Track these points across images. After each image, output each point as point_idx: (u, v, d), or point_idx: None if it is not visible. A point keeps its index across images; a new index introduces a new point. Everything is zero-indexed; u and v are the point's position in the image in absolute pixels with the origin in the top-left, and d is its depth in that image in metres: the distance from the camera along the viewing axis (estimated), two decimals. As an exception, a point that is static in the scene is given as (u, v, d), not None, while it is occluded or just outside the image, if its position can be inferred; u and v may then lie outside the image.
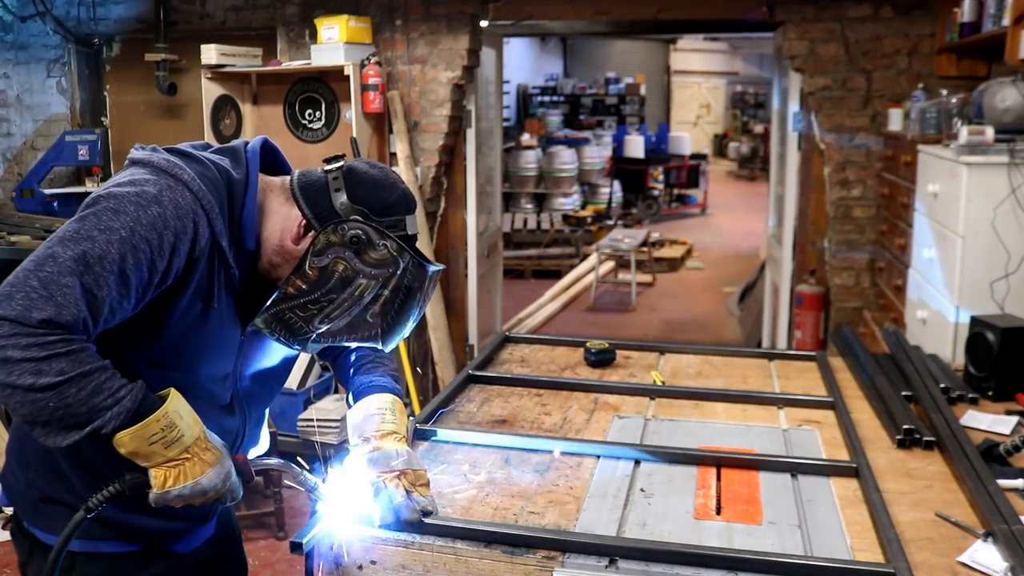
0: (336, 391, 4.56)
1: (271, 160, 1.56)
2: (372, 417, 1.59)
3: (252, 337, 1.52)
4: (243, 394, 1.57)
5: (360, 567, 1.47)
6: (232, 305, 1.46)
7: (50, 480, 1.45)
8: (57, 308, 1.22)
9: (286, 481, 1.47)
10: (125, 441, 1.28)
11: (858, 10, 4.23)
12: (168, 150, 1.43)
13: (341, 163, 1.47)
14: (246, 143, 1.51)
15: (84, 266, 1.24)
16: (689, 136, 14.57)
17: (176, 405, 1.33)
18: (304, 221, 1.44)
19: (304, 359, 4.38)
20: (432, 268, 1.45)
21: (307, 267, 1.42)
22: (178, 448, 1.32)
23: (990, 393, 2.19)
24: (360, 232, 1.41)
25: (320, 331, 1.45)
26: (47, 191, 4.88)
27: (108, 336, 1.34)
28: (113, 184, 1.35)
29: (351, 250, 1.41)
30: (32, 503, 1.48)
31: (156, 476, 1.32)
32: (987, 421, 2.02)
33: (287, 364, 1.68)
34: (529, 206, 10.48)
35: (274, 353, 1.60)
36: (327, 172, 1.47)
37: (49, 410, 1.23)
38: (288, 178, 1.51)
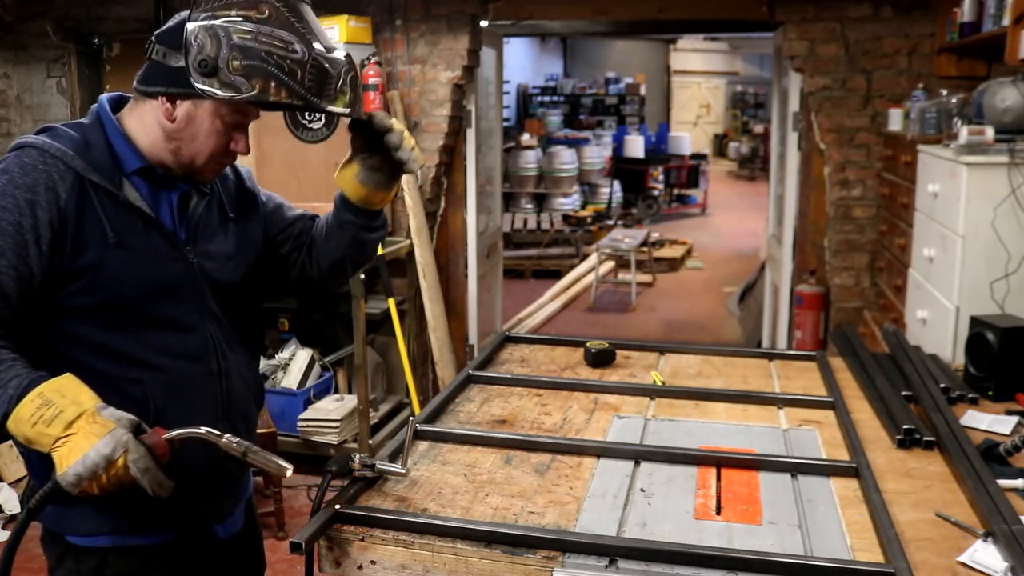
0: (336, 391, 4.56)
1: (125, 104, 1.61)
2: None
3: (199, 241, 1.58)
4: (206, 307, 1.60)
5: (360, 567, 1.47)
6: (153, 235, 1.51)
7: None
8: None
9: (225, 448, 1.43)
10: (12, 429, 1.30)
11: (858, 10, 4.23)
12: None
13: (148, 43, 1.52)
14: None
15: None
16: (689, 136, 14.57)
17: (58, 384, 1.31)
18: (164, 98, 1.49)
19: (303, 358, 4.38)
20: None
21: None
22: (59, 424, 1.28)
23: (990, 393, 2.19)
24: (206, 56, 1.40)
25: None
26: (47, 191, 4.90)
27: (57, 337, 1.44)
28: None
29: (211, 74, 1.40)
30: (49, 507, 1.47)
31: (57, 462, 1.29)
32: (987, 421, 2.02)
33: (246, 245, 1.70)
34: (529, 206, 10.48)
35: (228, 257, 1.65)
36: (147, 57, 1.52)
37: None
38: (134, 95, 1.57)
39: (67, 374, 1.34)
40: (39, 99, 5.17)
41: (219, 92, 1.41)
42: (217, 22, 1.40)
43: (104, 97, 1.60)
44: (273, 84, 1.41)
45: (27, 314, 1.41)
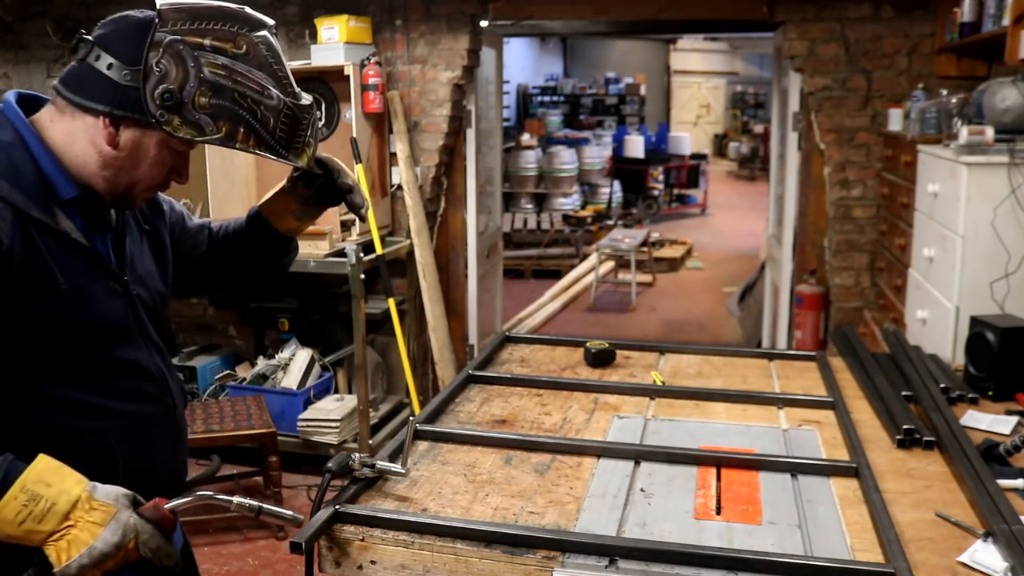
0: (336, 391, 4.56)
1: (36, 108, 1.34)
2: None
3: (132, 269, 1.42)
4: (149, 339, 1.44)
5: (360, 567, 1.47)
6: (97, 272, 1.34)
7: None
8: None
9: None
10: (2, 529, 1.16)
11: (858, 10, 4.23)
12: None
13: (77, 40, 1.27)
14: None
15: None
16: (689, 136, 14.57)
17: (38, 472, 1.19)
18: (107, 119, 1.26)
19: (303, 358, 4.38)
20: (257, 34, 1.28)
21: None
22: (54, 519, 1.18)
23: (990, 393, 2.19)
24: (169, 87, 1.22)
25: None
26: (47, 191, 4.90)
27: (12, 395, 1.26)
28: None
29: (173, 108, 1.23)
30: None
31: (51, 555, 1.18)
32: (987, 421, 2.02)
33: (162, 257, 1.55)
34: (529, 206, 10.48)
35: (152, 277, 1.49)
36: (78, 58, 1.26)
37: None
38: (55, 98, 1.31)
39: (41, 455, 1.21)
40: (39, 99, 5.18)
41: (179, 131, 1.25)
42: (187, 48, 1.24)
43: (10, 97, 1.33)
44: (242, 130, 1.27)
45: None
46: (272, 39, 1.31)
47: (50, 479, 1.19)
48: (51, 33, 5.02)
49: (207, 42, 1.25)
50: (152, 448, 1.43)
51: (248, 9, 1.30)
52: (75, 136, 1.29)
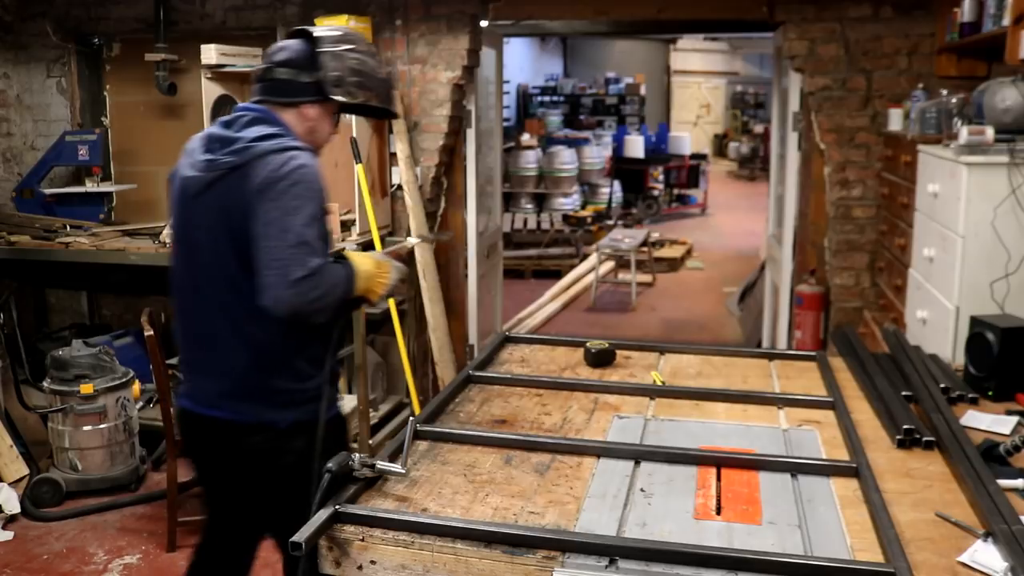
0: (336, 391, 4.56)
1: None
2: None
3: None
4: None
5: (360, 567, 1.47)
6: None
7: (287, 376, 2.04)
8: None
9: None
10: (359, 289, 2.07)
11: (858, 10, 4.23)
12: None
13: (262, 71, 2.15)
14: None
15: None
16: (689, 136, 14.56)
17: (358, 261, 2.09)
18: (303, 105, 2.13)
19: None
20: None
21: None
22: (370, 277, 2.09)
23: (990, 393, 2.19)
24: (335, 75, 2.10)
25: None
26: (47, 191, 4.88)
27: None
28: None
29: (337, 84, 2.11)
30: (271, 400, 2.04)
31: (375, 295, 2.12)
32: (987, 421, 2.02)
33: None
34: (529, 206, 10.48)
35: None
36: (266, 79, 2.13)
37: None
38: (266, 102, 2.15)
39: (349, 252, 2.13)
40: (39, 99, 5.17)
41: (343, 99, 2.10)
42: (339, 50, 2.10)
43: (255, 107, 2.13)
44: (373, 94, 2.16)
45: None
46: (366, 43, 2.20)
47: (363, 260, 2.12)
48: (51, 33, 5.02)
49: (346, 46, 2.12)
50: None
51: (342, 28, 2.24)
52: (294, 119, 2.11)
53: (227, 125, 2.07)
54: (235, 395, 2.04)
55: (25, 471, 4.00)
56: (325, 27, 2.18)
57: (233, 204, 1.96)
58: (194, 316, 2.12)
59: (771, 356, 2.60)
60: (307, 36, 2.11)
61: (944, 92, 3.69)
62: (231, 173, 1.98)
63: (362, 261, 2.09)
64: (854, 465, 1.72)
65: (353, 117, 4.31)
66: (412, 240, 2.71)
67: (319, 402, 2.06)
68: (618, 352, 2.51)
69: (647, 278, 8.72)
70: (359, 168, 4.26)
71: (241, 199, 1.95)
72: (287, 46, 2.11)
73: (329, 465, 1.59)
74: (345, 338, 2.33)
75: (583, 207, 10.97)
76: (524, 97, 15.83)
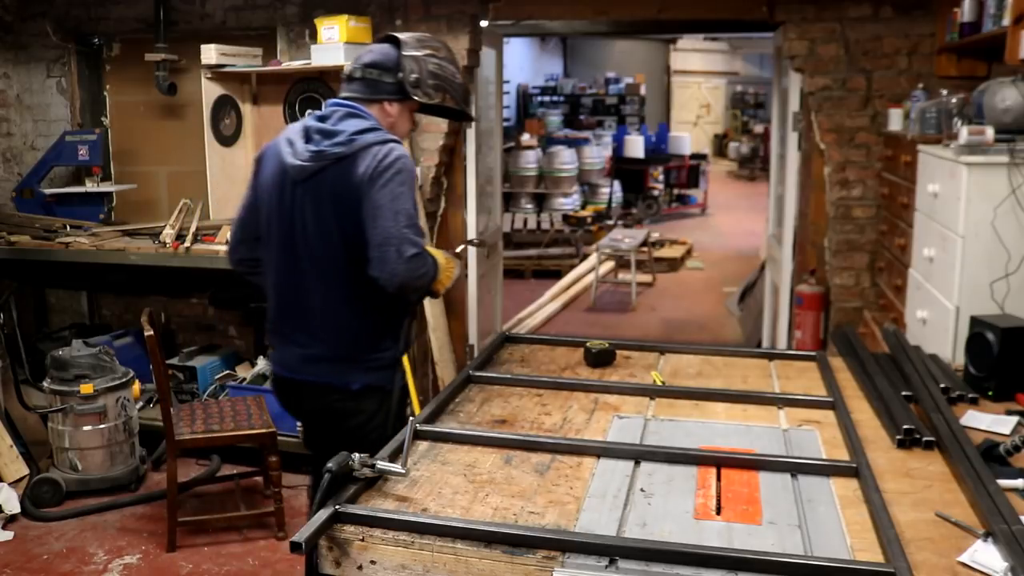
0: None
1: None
2: None
3: None
4: None
5: (360, 567, 1.47)
6: None
7: (367, 347, 2.32)
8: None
9: None
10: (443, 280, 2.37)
11: (858, 10, 4.23)
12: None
13: (353, 70, 2.42)
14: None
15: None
16: (689, 136, 14.55)
17: (435, 253, 2.34)
18: (387, 102, 2.41)
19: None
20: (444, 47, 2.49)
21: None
22: (444, 269, 2.36)
23: (990, 393, 2.19)
24: (415, 77, 2.38)
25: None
26: (47, 191, 4.88)
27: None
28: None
29: (416, 86, 2.39)
30: (350, 366, 2.32)
31: (442, 285, 2.38)
32: (987, 421, 2.02)
33: None
34: (529, 206, 10.48)
35: None
36: (356, 78, 2.42)
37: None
38: (356, 99, 2.43)
39: (433, 249, 2.38)
40: (39, 99, 5.17)
41: (421, 99, 2.37)
42: (419, 55, 2.37)
43: (346, 103, 2.41)
44: (448, 96, 2.44)
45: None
46: (446, 49, 2.48)
47: (438, 254, 2.37)
48: (51, 33, 5.02)
49: (427, 51, 2.39)
50: None
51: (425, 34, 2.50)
52: (378, 114, 2.38)
53: (323, 119, 2.33)
54: (320, 360, 2.33)
55: (25, 471, 4.00)
56: (411, 33, 2.44)
57: (342, 190, 2.23)
58: (290, 290, 2.36)
59: (771, 356, 2.61)
60: (394, 40, 2.37)
61: (944, 92, 3.69)
62: (338, 162, 2.25)
63: (438, 254, 2.36)
64: (854, 465, 1.72)
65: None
66: (467, 243, 2.89)
67: (393, 371, 2.37)
68: (618, 352, 2.51)
69: (647, 278, 8.72)
70: (359, 168, 4.26)
71: (349, 185, 2.22)
72: (374, 49, 2.40)
73: (329, 465, 1.60)
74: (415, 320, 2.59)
75: (583, 207, 10.96)
76: (524, 97, 15.83)
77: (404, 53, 2.34)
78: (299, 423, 2.81)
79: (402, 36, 2.36)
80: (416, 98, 2.35)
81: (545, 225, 10.62)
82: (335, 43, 4.31)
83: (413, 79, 2.34)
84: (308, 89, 4.67)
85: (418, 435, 1.88)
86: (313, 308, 2.32)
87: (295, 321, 2.36)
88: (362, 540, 1.47)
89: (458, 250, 2.72)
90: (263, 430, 3.66)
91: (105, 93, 5.16)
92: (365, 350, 2.32)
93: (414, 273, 2.19)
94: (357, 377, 2.31)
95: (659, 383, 2.29)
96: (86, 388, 3.93)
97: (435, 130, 4.63)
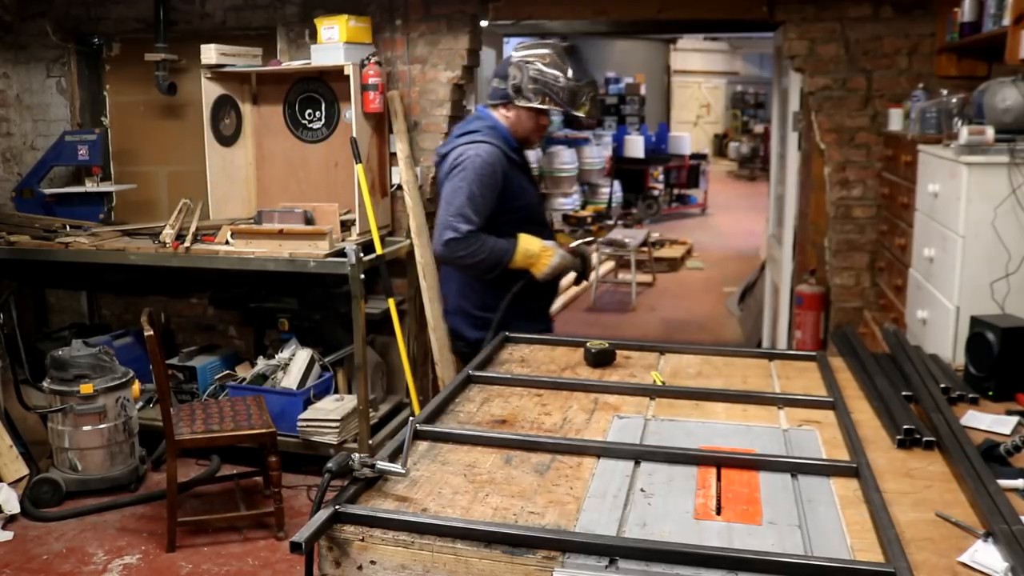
0: (336, 391, 4.57)
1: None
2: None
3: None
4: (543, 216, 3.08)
5: (360, 567, 1.47)
6: (528, 172, 3.01)
7: (474, 306, 2.92)
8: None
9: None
10: (517, 262, 2.79)
11: (858, 10, 4.23)
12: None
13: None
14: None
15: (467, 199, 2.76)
16: (689, 136, 14.56)
17: (523, 242, 2.81)
18: (503, 106, 2.89)
19: (303, 358, 4.38)
20: (549, 51, 2.82)
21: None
22: (530, 256, 2.81)
23: (990, 393, 2.19)
24: (517, 82, 2.82)
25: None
26: (47, 191, 4.88)
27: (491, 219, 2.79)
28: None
29: (517, 91, 2.82)
30: (464, 321, 2.98)
31: (533, 271, 2.83)
32: (987, 421, 2.01)
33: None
34: (529, 206, 10.45)
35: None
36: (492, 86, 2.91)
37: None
38: (491, 104, 2.93)
39: (520, 235, 2.82)
40: (39, 99, 5.17)
41: (523, 103, 2.78)
42: (523, 61, 2.75)
43: (481, 108, 2.99)
44: (548, 99, 2.77)
45: (488, 221, 2.79)
46: (555, 53, 2.78)
47: (527, 242, 2.81)
48: (50, 33, 5.02)
49: (531, 56, 2.76)
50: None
51: (548, 39, 2.90)
52: (500, 117, 2.86)
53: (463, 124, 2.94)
54: (448, 312, 3.09)
55: (25, 471, 4.00)
56: (527, 42, 2.83)
57: (440, 182, 2.87)
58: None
59: (771, 356, 2.60)
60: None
61: (944, 92, 3.69)
62: (442, 159, 2.88)
63: (527, 243, 2.80)
64: (854, 465, 1.71)
65: (353, 118, 4.32)
66: (582, 242, 3.17)
67: (486, 331, 2.82)
68: (618, 352, 2.51)
69: (647, 278, 8.72)
70: (359, 168, 4.26)
71: (441, 178, 2.85)
72: (502, 60, 2.88)
73: (329, 465, 1.60)
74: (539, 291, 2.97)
75: (583, 207, 10.96)
76: (524, 97, 15.79)
77: (511, 61, 2.75)
78: None
79: (516, 45, 2.82)
80: (518, 103, 2.77)
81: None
82: (335, 43, 4.31)
83: (514, 85, 2.73)
84: (308, 89, 4.67)
85: (418, 435, 1.88)
86: (445, 274, 3.07)
87: (442, 283, 3.19)
88: (362, 540, 1.47)
89: (573, 245, 2.95)
90: (263, 430, 3.66)
91: (105, 93, 5.16)
92: (473, 309, 2.91)
93: (452, 253, 2.73)
94: (469, 331, 2.92)
95: (659, 383, 2.29)
96: (86, 388, 3.94)
97: (435, 130, 4.63)
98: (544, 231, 2.95)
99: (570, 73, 2.74)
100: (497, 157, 2.75)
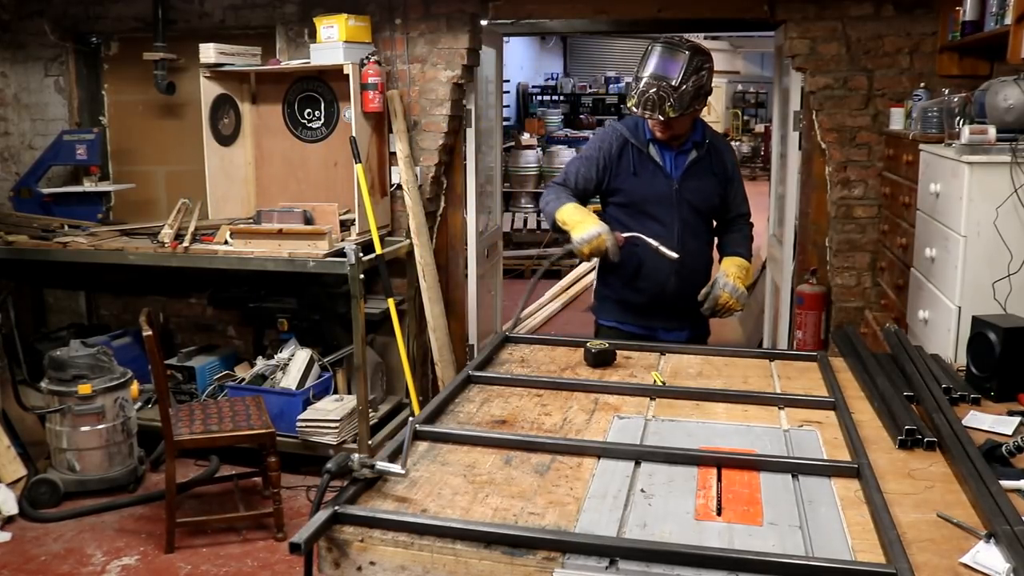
0: (336, 391, 4.56)
1: None
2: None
3: (684, 180, 2.99)
4: (679, 214, 2.97)
5: (359, 568, 1.46)
6: (658, 168, 2.98)
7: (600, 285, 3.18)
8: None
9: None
10: (561, 221, 2.89)
11: (859, 9, 4.22)
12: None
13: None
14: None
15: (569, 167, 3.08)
16: (689, 136, 14.51)
17: (569, 206, 2.88)
18: None
19: (303, 359, 4.37)
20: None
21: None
22: (567, 224, 2.85)
23: (992, 393, 2.18)
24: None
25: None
26: (45, 191, 4.87)
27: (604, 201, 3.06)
28: None
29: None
30: (596, 295, 3.25)
31: (572, 234, 2.83)
32: (989, 421, 2.01)
33: (710, 201, 3.09)
34: (529, 206, 10.47)
35: (702, 192, 3.03)
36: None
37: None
38: None
39: (573, 203, 2.92)
40: (37, 98, 5.16)
41: (630, 103, 2.85)
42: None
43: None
44: (632, 99, 2.82)
45: (584, 196, 3.02)
46: (645, 50, 2.84)
47: (571, 210, 2.89)
48: (49, 32, 5.02)
49: (640, 60, 2.85)
50: (657, 261, 2.91)
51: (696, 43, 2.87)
52: None
53: None
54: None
55: (23, 472, 3.99)
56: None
57: None
58: None
59: (772, 356, 2.60)
60: None
61: (946, 91, 3.67)
62: None
63: (573, 210, 2.86)
64: (855, 466, 1.71)
65: (353, 117, 4.32)
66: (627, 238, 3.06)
67: (599, 304, 3.17)
68: (618, 352, 2.50)
69: (647, 278, 8.70)
70: (359, 168, 4.26)
71: None
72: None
73: (328, 466, 1.59)
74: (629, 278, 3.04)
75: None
76: (524, 96, 15.80)
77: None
78: None
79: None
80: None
81: (545, 225, 10.60)
82: (334, 42, 4.31)
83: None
84: (307, 88, 4.66)
85: (418, 435, 1.87)
86: None
87: None
88: (361, 541, 1.46)
89: (625, 235, 2.88)
90: (262, 431, 3.65)
91: (103, 92, 5.16)
92: (600, 287, 3.18)
93: (543, 200, 3.00)
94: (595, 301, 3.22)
95: (659, 383, 2.28)
96: (84, 388, 3.93)
97: (434, 130, 4.63)
98: (654, 227, 2.91)
99: (641, 71, 2.78)
100: (609, 137, 2.97)
